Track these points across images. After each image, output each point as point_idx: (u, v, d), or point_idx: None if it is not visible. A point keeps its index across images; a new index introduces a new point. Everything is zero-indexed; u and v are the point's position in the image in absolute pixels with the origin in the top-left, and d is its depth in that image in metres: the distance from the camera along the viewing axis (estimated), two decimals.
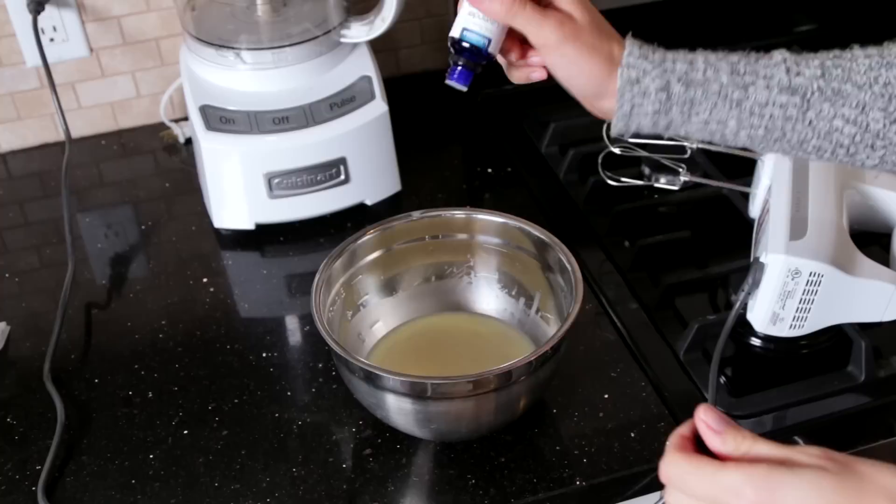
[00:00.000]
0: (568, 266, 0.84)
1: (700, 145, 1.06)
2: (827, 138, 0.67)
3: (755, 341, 0.93)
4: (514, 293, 0.92)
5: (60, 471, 0.83)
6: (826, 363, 0.90)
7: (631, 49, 0.69)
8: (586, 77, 0.70)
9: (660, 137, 0.72)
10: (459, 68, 0.73)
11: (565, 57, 0.70)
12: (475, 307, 0.94)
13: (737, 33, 1.33)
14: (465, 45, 0.72)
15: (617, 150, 1.09)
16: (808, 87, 0.66)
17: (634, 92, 0.68)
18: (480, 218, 0.91)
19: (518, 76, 0.75)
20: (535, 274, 0.90)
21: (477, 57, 0.72)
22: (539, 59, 0.72)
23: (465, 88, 0.74)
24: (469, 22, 0.72)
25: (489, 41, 0.72)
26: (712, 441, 0.55)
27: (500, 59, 0.75)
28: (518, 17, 0.69)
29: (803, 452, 0.53)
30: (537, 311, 0.90)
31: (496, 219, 0.90)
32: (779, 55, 0.68)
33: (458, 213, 0.91)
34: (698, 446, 0.56)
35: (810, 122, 0.67)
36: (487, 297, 0.94)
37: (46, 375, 0.91)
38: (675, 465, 0.56)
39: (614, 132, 0.71)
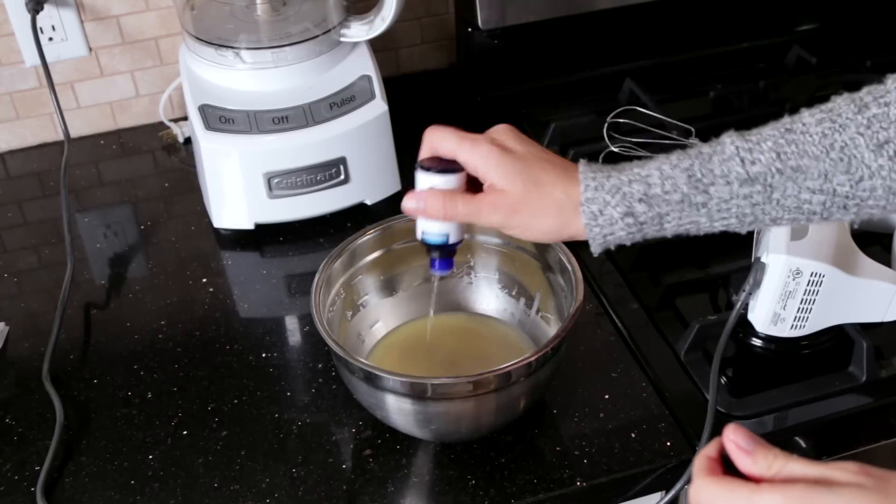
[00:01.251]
0: (568, 266, 0.84)
1: None
2: (798, 211, 0.68)
3: (756, 341, 0.92)
4: (514, 293, 0.92)
5: (59, 471, 0.83)
6: (827, 363, 0.90)
7: (586, 184, 0.69)
8: (544, 233, 0.72)
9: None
10: (437, 261, 0.78)
11: (516, 227, 0.72)
12: (475, 307, 0.94)
13: (737, 33, 1.33)
14: (429, 243, 0.77)
15: (617, 150, 1.09)
16: (767, 172, 0.66)
17: (601, 223, 0.69)
18: None
19: None
20: (536, 274, 0.89)
21: (445, 249, 0.77)
22: None
23: (448, 273, 0.79)
24: (425, 225, 0.76)
25: (447, 236, 0.76)
26: (743, 462, 0.54)
27: None
28: (456, 215, 0.73)
29: (840, 469, 0.52)
30: (537, 311, 0.90)
31: None
32: (731, 146, 0.67)
33: None
34: (726, 468, 0.55)
35: (778, 202, 0.67)
36: (487, 297, 0.93)
37: (45, 376, 0.91)
38: (706, 490, 0.54)
39: (595, 254, 0.72)
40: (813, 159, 0.66)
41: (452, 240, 0.76)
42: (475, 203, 0.72)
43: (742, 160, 0.67)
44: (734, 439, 0.54)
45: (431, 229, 0.76)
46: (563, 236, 0.72)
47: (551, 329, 0.88)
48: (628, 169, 0.70)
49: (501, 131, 0.74)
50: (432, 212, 0.73)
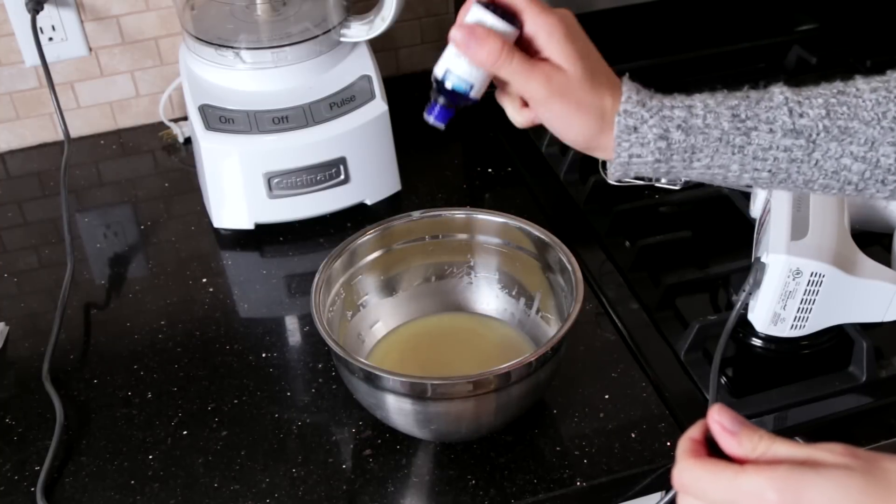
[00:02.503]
0: (568, 266, 0.84)
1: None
2: (834, 177, 0.66)
3: (756, 341, 0.92)
4: (514, 293, 0.92)
5: (59, 471, 0.83)
6: (827, 363, 0.90)
7: (628, 95, 0.66)
8: (575, 133, 0.68)
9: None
10: (439, 107, 0.71)
11: (552, 112, 0.67)
12: (475, 307, 0.94)
13: (737, 33, 1.33)
14: (448, 86, 0.69)
15: None
16: (814, 127, 0.64)
17: (632, 140, 0.66)
18: (480, 218, 0.91)
19: (520, 121, 0.72)
20: (536, 274, 0.89)
21: (458, 99, 0.70)
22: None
23: (442, 127, 0.72)
24: (454, 64, 0.68)
25: (472, 87, 0.69)
26: (727, 443, 0.53)
27: (502, 104, 0.73)
28: (504, 69, 0.66)
29: (826, 450, 0.51)
30: (537, 311, 0.90)
31: (496, 219, 0.90)
32: (780, 95, 0.66)
33: (458, 213, 0.91)
34: (710, 450, 0.54)
35: (816, 163, 0.65)
36: (487, 297, 0.93)
37: (45, 376, 0.91)
38: (689, 472, 0.53)
39: (611, 179, 0.70)
40: (863, 124, 0.64)
41: (474, 95, 0.70)
42: (530, 65, 0.66)
43: (790, 110, 0.65)
44: (719, 420, 0.53)
45: (459, 71, 0.68)
46: (591, 145, 0.68)
47: (551, 329, 0.88)
48: (671, 96, 0.67)
49: (567, 14, 0.68)
50: (481, 53, 0.66)
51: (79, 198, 1.16)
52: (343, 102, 1.05)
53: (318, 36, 1.05)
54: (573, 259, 0.84)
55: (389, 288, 0.92)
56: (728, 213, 1.07)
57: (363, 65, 1.08)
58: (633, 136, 0.66)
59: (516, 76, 0.67)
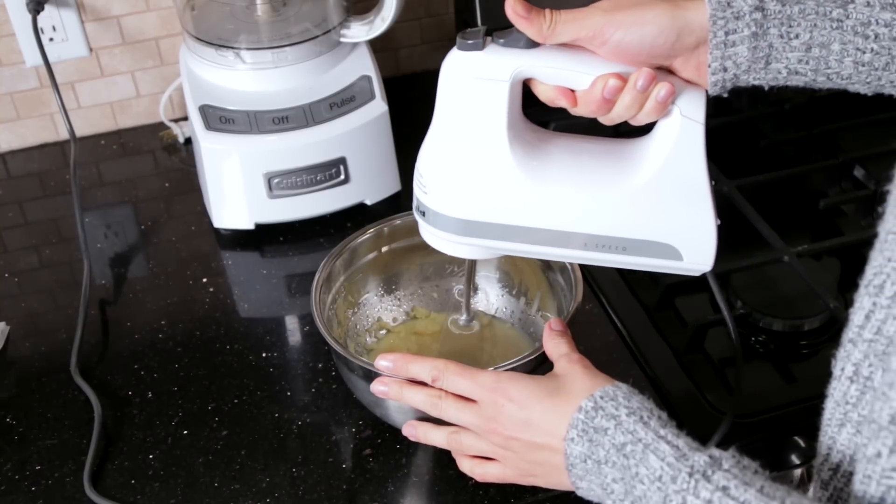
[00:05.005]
0: (568, 265, 0.84)
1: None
2: None
3: (756, 341, 0.92)
4: (514, 292, 0.92)
5: (59, 471, 0.83)
6: (827, 363, 0.90)
7: None
8: (654, 33, 0.62)
9: (761, 90, 0.67)
10: None
11: (622, 26, 0.62)
12: (475, 306, 0.94)
13: None
14: None
15: None
16: None
17: (728, 16, 0.61)
18: None
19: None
20: (536, 273, 0.89)
21: None
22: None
23: None
24: None
25: None
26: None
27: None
28: (557, 28, 0.63)
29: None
30: (538, 310, 0.90)
31: None
32: None
33: None
34: None
35: None
36: (488, 296, 0.93)
37: (74, 370, 0.91)
38: (449, 376, 0.71)
39: (712, 83, 0.64)
40: None
41: None
42: (576, 10, 0.63)
43: None
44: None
45: None
46: (678, 45, 0.63)
47: None
48: None
49: None
50: (531, 30, 0.63)
51: (79, 198, 1.16)
52: (343, 102, 1.05)
53: (318, 36, 1.05)
54: None
55: (389, 287, 0.92)
56: (728, 212, 1.07)
57: (363, 65, 1.08)
58: (728, 10, 0.62)
59: (570, 24, 0.63)
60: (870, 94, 0.65)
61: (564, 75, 0.65)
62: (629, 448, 0.60)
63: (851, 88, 0.65)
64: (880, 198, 0.62)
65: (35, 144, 1.25)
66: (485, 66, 0.65)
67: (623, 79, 0.63)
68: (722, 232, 0.70)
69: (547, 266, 0.88)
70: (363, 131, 1.06)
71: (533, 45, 0.65)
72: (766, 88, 0.66)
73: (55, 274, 1.05)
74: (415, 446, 0.84)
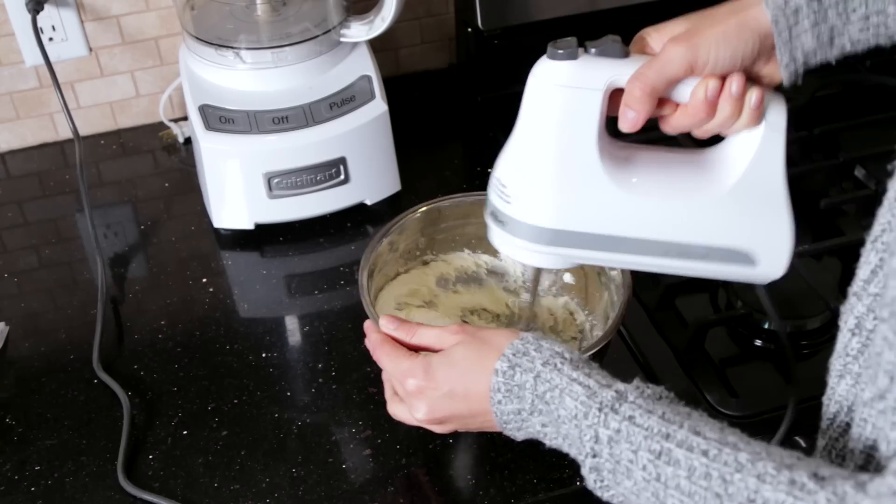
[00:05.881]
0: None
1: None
2: None
3: (756, 341, 0.92)
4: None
5: (59, 471, 0.83)
6: (828, 363, 0.90)
7: None
8: (742, 46, 0.65)
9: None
10: None
11: (711, 49, 0.65)
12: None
13: None
14: None
15: None
16: None
17: (788, 13, 0.65)
18: None
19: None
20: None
21: None
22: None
23: None
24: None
25: None
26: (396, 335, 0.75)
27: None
28: (647, 89, 0.65)
29: (447, 332, 0.72)
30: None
31: None
32: None
33: None
34: None
35: None
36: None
37: (97, 365, 0.91)
38: (383, 356, 0.74)
39: (786, 77, 0.67)
40: None
41: None
42: (655, 58, 0.66)
43: None
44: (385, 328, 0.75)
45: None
46: (754, 49, 0.65)
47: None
48: None
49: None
50: (637, 115, 0.66)
51: (79, 197, 1.16)
52: (343, 102, 1.05)
53: (318, 36, 1.05)
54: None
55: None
56: None
57: (363, 65, 1.08)
58: (787, 8, 0.65)
59: (658, 72, 0.65)
60: None
61: None
62: (548, 395, 0.65)
63: None
64: (890, 155, 0.63)
65: (35, 144, 1.25)
66: (579, 76, 0.66)
67: (722, 81, 0.66)
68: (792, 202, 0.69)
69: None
70: (363, 131, 1.05)
71: (626, 54, 0.67)
72: (834, 63, 0.68)
73: (55, 274, 1.05)
74: (415, 446, 0.84)
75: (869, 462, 0.55)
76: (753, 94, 0.66)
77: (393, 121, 1.08)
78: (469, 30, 1.21)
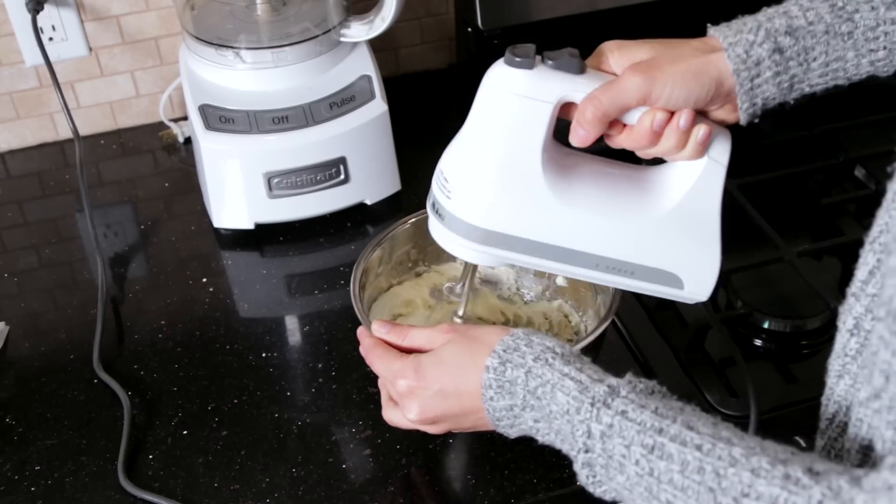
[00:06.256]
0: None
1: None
2: None
3: (756, 341, 0.92)
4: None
5: (59, 471, 0.83)
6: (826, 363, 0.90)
7: (723, 32, 0.68)
8: (698, 90, 0.67)
9: (785, 105, 0.71)
10: None
11: (666, 87, 0.67)
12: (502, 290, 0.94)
13: None
14: None
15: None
16: None
17: (749, 65, 0.67)
18: None
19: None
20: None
21: None
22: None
23: None
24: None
25: None
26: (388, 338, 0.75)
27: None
28: (600, 109, 0.67)
29: (437, 332, 0.72)
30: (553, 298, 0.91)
31: None
32: None
33: None
34: None
35: None
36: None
37: (97, 365, 0.91)
38: (375, 358, 0.74)
39: (744, 119, 0.69)
40: None
41: None
42: (612, 82, 0.67)
43: None
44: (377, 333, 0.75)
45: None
46: (712, 93, 0.67)
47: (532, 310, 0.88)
48: (761, 12, 0.68)
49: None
50: (586, 134, 0.68)
51: (79, 197, 1.16)
52: (343, 102, 1.05)
53: (318, 36, 1.05)
54: None
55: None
56: (729, 212, 1.07)
57: (363, 65, 1.08)
58: (749, 60, 0.67)
59: (615, 98, 0.67)
60: (887, 74, 0.70)
61: None
62: (540, 390, 0.65)
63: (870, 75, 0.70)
64: (890, 156, 0.64)
65: (34, 144, 1.25)
66: (532, 86, 0.67)
67: (670, 114, 0.67)
68: (723, 231, 0.70)
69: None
70: (363, 131, 1.05)
71: (582, 70, 0.67)
72: (792, 103, 0.70)
73: (55, 274, 1.05)
74: (415, 446, 0.84)
75: (865, 462, 0.55)
76: (701, 130, 0.68)
77: (393, 121, 1.08)
78: (469, 30, 1.21)
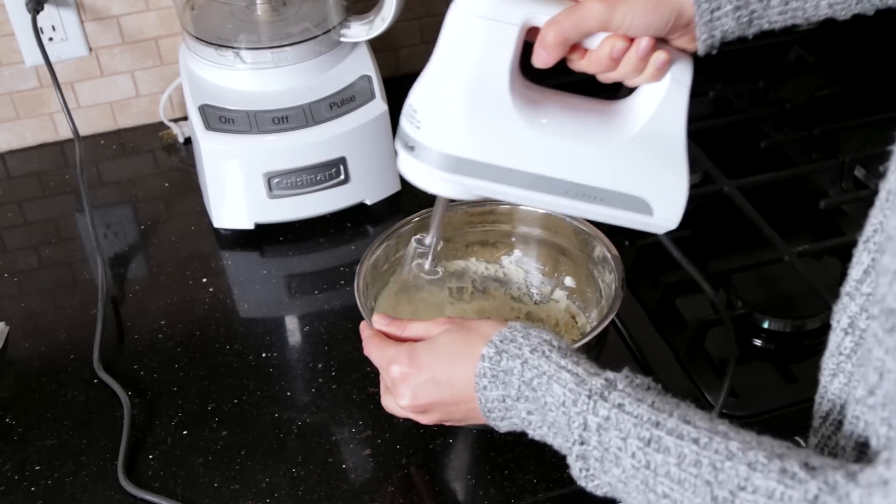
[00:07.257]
0: (611, 260, 0.86)
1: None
2: None
3: (756, 341, 0.92)
4: (547, 280, 0.93)
5: (59, 471, 0.83)
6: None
7: None
8: (657, 21, 0.67)
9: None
10: None
11: (626, 18, 0.66)
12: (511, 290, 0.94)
13: None
14: None
15: None
16: None
17: None
18: (523, 209, 0.91)
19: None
20: (582, 267, 0.90)
21: None
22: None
23: None
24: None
25: None
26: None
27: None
28: (560, 29, 0.67)
29: (434, 324, 0.73)
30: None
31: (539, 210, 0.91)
32: None
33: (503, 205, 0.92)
34: None
35: None
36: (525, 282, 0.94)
37: (97, 365, 0.91)
38: (372, 348, 0.76)
39: (702, 49, 0.70)
40: None
41: None
42: (574, 7, 0.67)
43: None
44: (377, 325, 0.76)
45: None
46: (663, 13, 0.67)
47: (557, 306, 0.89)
48: None
49: None
50: (545, 57, 0.68)
51: (79, 197, 1.16)
52: (343, 102, 1.05)
53: (318, 36, 1.05)
54: (613, 248, 0.86)
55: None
56: (728, 212, 1.07)
57: (363, 65, 1.08)
58: None
59: (577, 25, 0.67)
60: (844, 18, 0.72)
61: None
62: (535, 382, 0.65)
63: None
64: (885, 157, 0.65)
65: (34, 144, 1.25)
66: (497, 9, 0.67)
67: (629, 41, 0.67)
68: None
69: (590, 259, 0.89)
70: (363, 131, 1.06)
71: None
72: (750, 38, 0.71)
73: (55, 274, 1.05)
74: (415, 446, 0.84)
75: (860, 459, 0.55)
76: (660, 56, 0.68)
77: (393, 121, 1.08)
78: None
